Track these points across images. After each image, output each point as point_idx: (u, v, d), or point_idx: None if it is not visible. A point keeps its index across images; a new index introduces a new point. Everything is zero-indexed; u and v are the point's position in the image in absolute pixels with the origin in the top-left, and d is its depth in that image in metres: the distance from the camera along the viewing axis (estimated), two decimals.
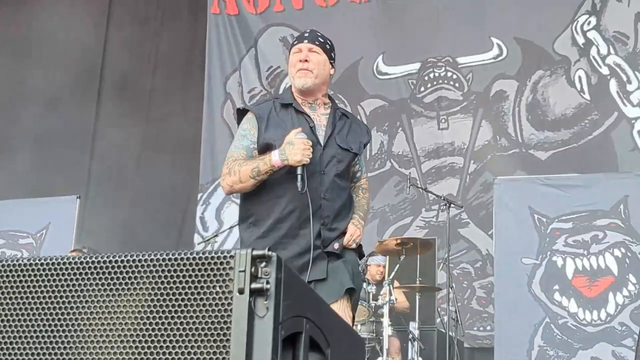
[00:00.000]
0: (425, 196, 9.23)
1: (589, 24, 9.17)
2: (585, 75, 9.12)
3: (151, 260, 2.01)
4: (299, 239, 3.71)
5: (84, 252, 7.92)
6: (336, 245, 3.78)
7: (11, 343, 2.06)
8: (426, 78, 9.77)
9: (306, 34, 3.98)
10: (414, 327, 7.65)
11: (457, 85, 9.65)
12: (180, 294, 1.97)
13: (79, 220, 9.05)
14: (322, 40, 3.95)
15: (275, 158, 3.64)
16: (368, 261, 8.12)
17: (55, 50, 10.77)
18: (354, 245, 3.83)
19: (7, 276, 2.10)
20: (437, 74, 9.74)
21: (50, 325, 2.05)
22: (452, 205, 8.16)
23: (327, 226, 3.76)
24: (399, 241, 7.50)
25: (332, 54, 3.96)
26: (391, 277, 7.36)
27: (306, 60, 3.85)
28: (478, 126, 9.47)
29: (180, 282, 1.98)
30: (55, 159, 10.25)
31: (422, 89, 9.78)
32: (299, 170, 3.61)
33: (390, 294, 7.21)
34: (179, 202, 10.52)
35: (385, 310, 7.15)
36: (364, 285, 7.44)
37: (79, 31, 10.81)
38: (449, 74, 9.69)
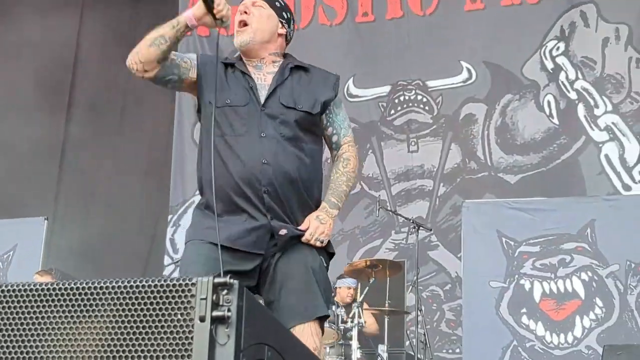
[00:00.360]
0: (395, 218, 9.25)
1: (557, 49, 9.27)
2: (554, 100, 9.20)
3: (113, 287, 2.02)
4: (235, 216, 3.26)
5: (52, 275, 7.86)
6: (282, 231, 3.26)
7: None
8: (396, 101, 9.82)
9: None
10: (382, 349, 7.64)
11: (427, 108, 9.70)
12: (142, 321, 1.98)
13: (46, 241, 8.98)
14: None
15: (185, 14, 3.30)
16: (337, 284, 8.12)
17: (22, 66, 10.69)
18: (317, 244, 3.32)
19: None
20: (407, 97, 9.79)
21: (13, 352, 2.05)
22: (421, 227, 8.19)
23: (271, 196, 3.26)
24: (368, 263, 7.52)
25: (284, 14, 3.57)
26: (360, 299, 7.37)
27: (245, 12, 3.46)
28: (447, 149, 9.52)
29: (142, 310, 1.98)
30: (23, 179, 10.17)
31: (392, 111, 9.82)
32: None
33: (360, 317, 7.21)
34: (149, 224, 10.47)
35: (354, 332, 7.14)
36: (333, 308, 7.44)
37: (49, 46, 10.74)
38: (419, 97, 9.75)
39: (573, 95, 9.13)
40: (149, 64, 3.29)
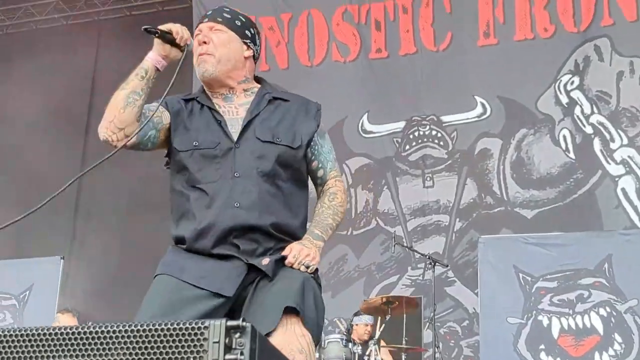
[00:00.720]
0: (411, 254, 9.21)
1: (572, 83, 9.26)
2: (570, 134, 9.17)
3: (125, 331, 2.00)
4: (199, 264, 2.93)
5: (73, 314, 7.88)
6: (265, 261, 2.90)
7: None
8: (411, 136, 9.82)
9: (209, 12, 3.20)
10: None
11: (441, 143, 9.69)
12: None
13: (62, 281, 8.99)
14: (228, 16, 3.15)
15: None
16: (354, 321, 8.08)
17: (37, 112, 10.78)
18: (302, 269, 2.90)
19: None
20: (421, 133, 9.79)
21: None
22: (437, 263, 8.16)
23: (244, 240, 2.91)
24: (384, 300, 7.48)
25: (248, 32, 3.16)
26: (377, 336, 7.32)
27: (204, 42, 3.07)
28: (463, 184, 9.49)
29: (155, 353, 1.96)
30: (39, 218, 10.18)
31: (407, 147, 9.82)
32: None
33: (377, 354, 7.16)
34: None
35: None
36: (350, 345, 7.39)
37: (67, 79, 10.83)
38: (434, 132, 9.74)
39: (589, 129, 9.11)
40: (130, 127, 2.94)
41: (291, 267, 2.90)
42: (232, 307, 2.91)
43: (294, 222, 3.02)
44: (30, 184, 10.52)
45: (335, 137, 9.94)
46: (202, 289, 2.88)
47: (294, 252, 2.91)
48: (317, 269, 2.98)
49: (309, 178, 3.18)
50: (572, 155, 9.13)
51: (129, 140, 2.96)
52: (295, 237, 3.01)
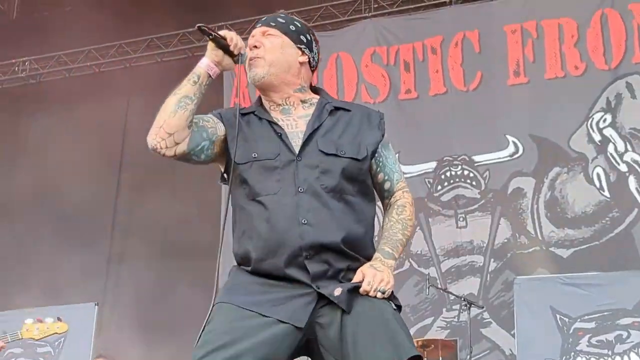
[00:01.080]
0: (445, 296, 9.13)
1: (604, 121, 9.20)
2: (604, 173, 9.09)
3: None
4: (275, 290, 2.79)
5: None
6: (337, 291, 2.73)
7: None
8: (443, 177, 9.78)
9: (263, 18, 3.10)
10: None
11: (474, 183, 9.64)
12: None
13: (97, 327, 9.00)
14: (282, 21, 3.04)
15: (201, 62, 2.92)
16: None
17: (73, 154, 10.91)
18: (379, 296, 2.75)
19: None
20: (453, 173, 9.75)
21: None
22: (472, 305, 8.08)
23: (315, 262, 2.76)
24: (420, 343, 7.42)
25: (303, 37, 3.04)
26: None
27: (255, 47, 2.98)
28: (497, 224, 9.42)
29: None
30: (73, 264, 10.26)
31: (439, 187, 9.77)
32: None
33: None
34: (197, 309, 10.43)
35: None
36: None
37: (98, 137, 10.95)
38: (466, 172, 9.70)
39: (623, 167, 9.02)
40: (180, 133, 2.83)
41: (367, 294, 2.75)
42: (305, 336, 2.79)
43: (365, 239, 2.89)
44: (67, 222, 10.63)
45: None
46: (268, 317, 2.75)
47: (368, 278, 2.76)
48: (392, 291, 2.84)
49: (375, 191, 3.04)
50: (606, 193, 9.04)
51: (177, 150, 2.85)
52: (367, 254, 2.88)
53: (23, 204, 11.17)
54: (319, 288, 2.75)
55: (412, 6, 10.56)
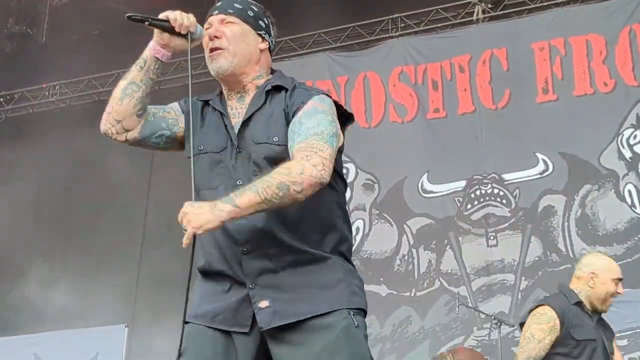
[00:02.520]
0: (476, 315, 9.06)
1: (635, 137, 9.13)
2: (635, 189, 9.01)
3: None
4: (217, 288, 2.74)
5: None
6: (263, 303, 2.67)
7: None
8: (472, 195, 9.73)
9: (218, 3, 2.92)
10: None
11: (504, 201, 9.58)
12: None
13: (127, 349, 9.00)
14: (239, 7, 2.88)
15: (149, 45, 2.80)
16: None
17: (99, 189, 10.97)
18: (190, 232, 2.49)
19: None
20: (483, 191, 9.70)
21: None
22: (503, 323, 8.02)
23: (251, 257, 2.65)
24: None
25: (262, 22, 2.90)
26: None
27: (216, 37, 2.81)
28: (527, 242, 9.36)
29: None
30: (102, 287, 10.29)
31: (469, 206, 9.72)
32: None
33: None
34: None
35: None
36: None
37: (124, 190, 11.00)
38: (496, 190, 9.64)
39: None
40: (128, 121, 2.77)
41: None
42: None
43: (310, 225, 2.70)
44: (97, 256, 10.67)
45: (395, 198, 9.92)
46: (217, 329, 2.71)
47: (180, 213, 2.53)
48: (364, 310, 2.70)
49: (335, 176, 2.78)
50: (638, 210, 8.95)
51: (127, 137, 2.80)
52: (325, 248, 2.72)
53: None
54: (252, 288, 2.66)
55: (439, 25, 10.55)
